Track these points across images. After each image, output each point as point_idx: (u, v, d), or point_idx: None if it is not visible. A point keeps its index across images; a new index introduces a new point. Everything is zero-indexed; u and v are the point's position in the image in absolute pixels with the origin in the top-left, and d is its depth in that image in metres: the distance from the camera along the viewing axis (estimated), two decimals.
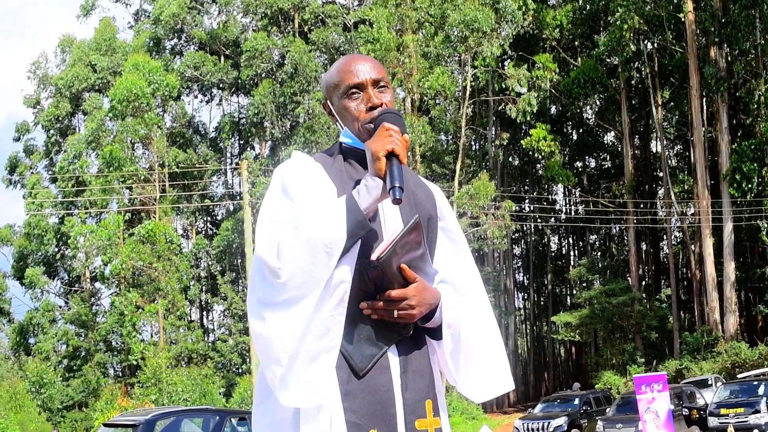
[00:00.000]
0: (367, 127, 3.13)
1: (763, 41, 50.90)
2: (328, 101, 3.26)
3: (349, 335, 2.92)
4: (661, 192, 65.25)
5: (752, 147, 49.89)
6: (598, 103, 65.05)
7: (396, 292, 2.95)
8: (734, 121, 58.31)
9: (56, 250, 68.51)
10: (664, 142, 61.02)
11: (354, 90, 3.16)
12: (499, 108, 60.11)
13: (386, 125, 3.01)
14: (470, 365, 3.17)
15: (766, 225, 51.03)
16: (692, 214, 59.03)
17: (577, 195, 71.72)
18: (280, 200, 3.00)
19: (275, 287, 2.85)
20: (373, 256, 2.92)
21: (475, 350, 3.16)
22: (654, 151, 69.19)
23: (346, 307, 2.87)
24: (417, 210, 3.14)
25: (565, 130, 72.27)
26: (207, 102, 75.72)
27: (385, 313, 2.96)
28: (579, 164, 73.36)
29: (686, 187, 64.14)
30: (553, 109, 69.49)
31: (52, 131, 71.63)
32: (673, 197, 56.28)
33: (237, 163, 64.15)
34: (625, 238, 66.10)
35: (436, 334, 3.13)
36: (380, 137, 2.98)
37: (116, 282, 60.37)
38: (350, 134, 3.20)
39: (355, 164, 3.17)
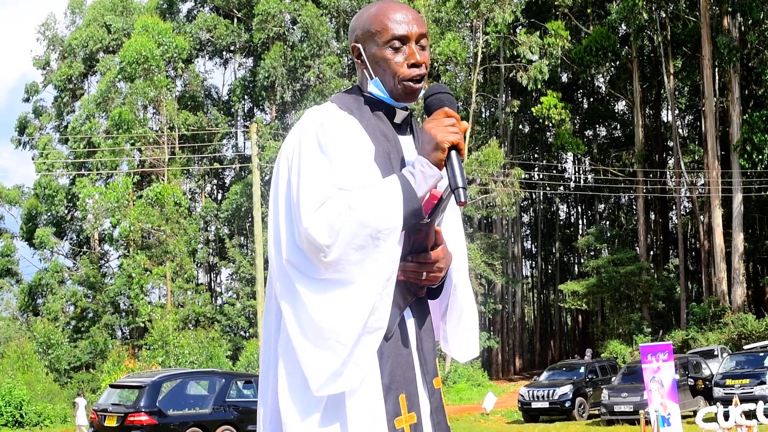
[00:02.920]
0: (406, 85, 2.99)
1: None
2: (360, 45, 3.06)
3: None
4: (671, 162, 65.08)
5: (764, 118, 49.66)
6: (609, 71, 64.74)
7: (435, 253, 2.92)
8: (746, 92, 58.06)
9: (66, 211, 68.64)
10: (676, 112, 60.81)
11: (397, 41, 2.98)
12: (511, 75, 59.88)
13: (448, 110, 2.90)
14: (459, 325, 3.16)
15: None
16: (702, 185, 58.91)
17: (586, 163, 71.63)
18: (322, 161, 2.86)
19: (316, 263, 2.76)
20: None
21: (464, 311, 3.14)
22: (665, 120, 68.99)
23: (394, 285, 2.81)
24: None
25: (576, 98, 72.05)
26: (223, 65, 75.59)
27: (414, 275, 2.92)
28: (589, 133, 73.17)
29: (696, 158, 63.94)
30: (564, 77, 69.27)
31: (64, 92, 71.56)
32: (683, 167, 56.12)
33: (247, 127, 64.06)
34: (634, 207, 66.01)
35: (434, 293, 3.10)
36: (442, 125, 2.87)
37: (125, 244, 60.51)
38: (381, 86, 3.03)
39: (382, 117, 3.05)
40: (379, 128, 3.01)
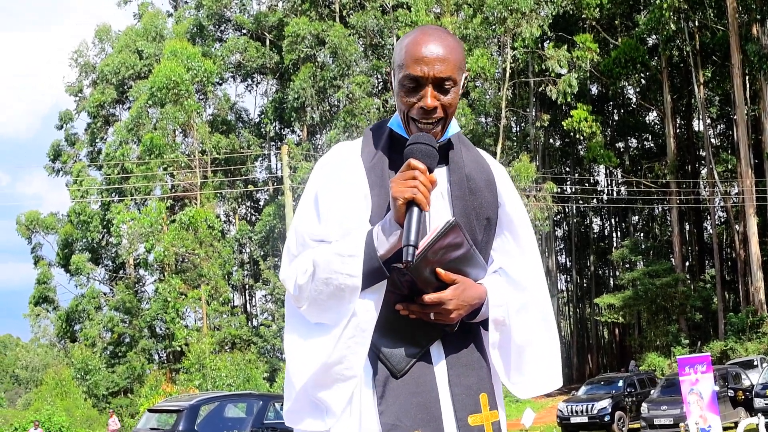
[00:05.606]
0: (415, 126, 2.88)
1: None
2: (392, 72, 2.96)
3: (386, 336, 2.83)
4: (704, 171, 64.70)
5: None
6: (639, 82, 64.47)
7: (430, 298, 2.80)
8: None
9: (101, 237, 69.07)
10: (707, 121, 60.47)
11: (412, 81, 2.84)
12: (540, 89, 59.79)
13: (412, 162, 2.74)
14: (520, 362, 3.04)
15: None
16: (736, 194, 58.46)
17: (619, 176, 71.27)
18: (310, 213, 2.92)
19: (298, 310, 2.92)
20: (402, 263, 2.75)
21: (525, 347, 3.03)
22: (696, 130, 68.58)
23: (370, 336, 2.79)
24: (474, 199, 2.98)
25: (606, 110, 71.77)
26: (254, 87, 76.05)
27: (422, 315, 2.83)
28: (621, 145, 72.87)
29: (729, 167, 63.50)
30: (593, 90, 69.05)
31: (96, 118, 72.14)
32: (716, 177, 55.77)
33: (278, 148, 64.31)
34: (668, 218, 65.60)
35: (487, 325, 2.99)
36: (403, 178, 2.73)
37: (159, 268, 60.80)
38: (399, 122, 2.96)
39: (400, 155, 2.88)
40: (394, 164, 2.93)
